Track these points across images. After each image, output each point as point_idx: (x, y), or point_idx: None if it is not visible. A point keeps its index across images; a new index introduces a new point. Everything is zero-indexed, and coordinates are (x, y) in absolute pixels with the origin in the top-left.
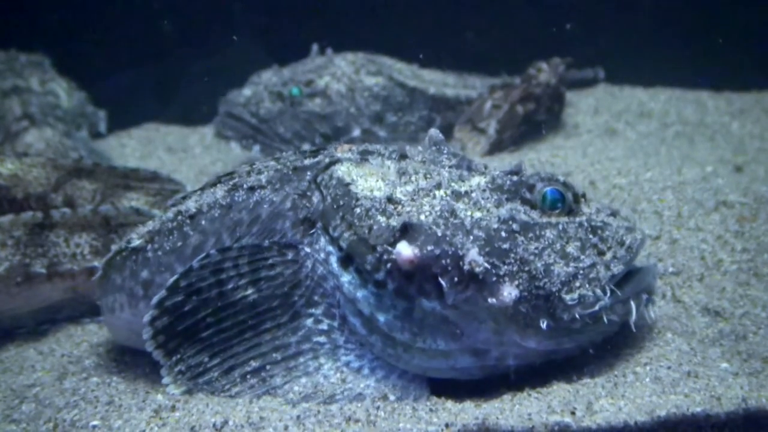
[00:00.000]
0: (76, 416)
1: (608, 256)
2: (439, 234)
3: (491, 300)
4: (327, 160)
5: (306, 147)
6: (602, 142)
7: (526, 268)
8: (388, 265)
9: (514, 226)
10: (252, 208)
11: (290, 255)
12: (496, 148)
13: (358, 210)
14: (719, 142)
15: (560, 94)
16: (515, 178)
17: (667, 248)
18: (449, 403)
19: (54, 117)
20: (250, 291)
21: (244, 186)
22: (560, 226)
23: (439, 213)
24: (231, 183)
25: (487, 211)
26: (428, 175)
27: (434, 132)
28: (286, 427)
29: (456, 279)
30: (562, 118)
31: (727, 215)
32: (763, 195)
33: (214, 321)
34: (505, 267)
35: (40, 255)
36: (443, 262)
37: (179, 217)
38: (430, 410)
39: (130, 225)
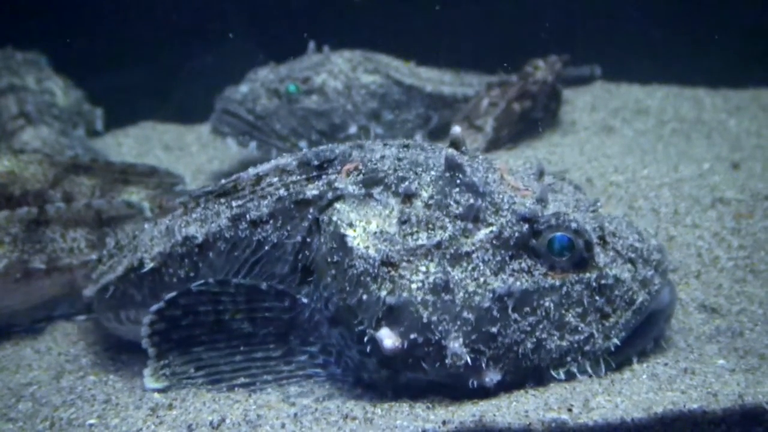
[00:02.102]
0: (73, 414)
1: (612, 320)
2: (425, 320)
3: (473, 381)
4: (329, 195)
5: (303, 144)
6: (599, 140)
7: (515, 350)
8: (372, 344)
9: (509, 303)
10: (255, 248)
11: (287, 302)
12: (492, 145)
13: (350, 273)
14: (716, 139)
15: (557, 92)
16: (525, 228)
17: (664, 245)
18: (446, 401)
19: (50, 115)
20: (245, 324)
21: (248, 218)
22: (564, 289)
23: (431, 286)
24: (235, 208)
25: (484, 281)
26: (431, 227)
27: (451, 154)
28: (283, 425)
29: (437, 365)
30: (559, 116)
31: (724, 212)
32: (760, 192)
33: (208, 340)
34: (491, 352)
35: (38, 251)
36: (426, 350)
37: (188, 243)
38: (427, 408)
39: (122, 218)
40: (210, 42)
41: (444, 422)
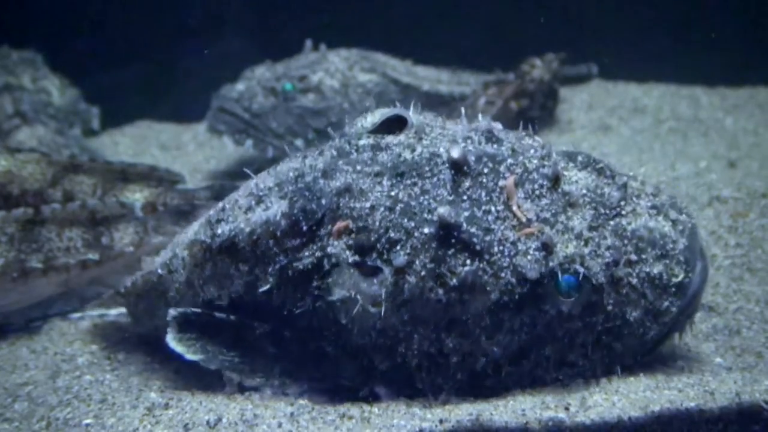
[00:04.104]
0: (69, 414)
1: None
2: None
3: None
4: (325, 264)
5: (299, 142)
6: (596, 138)
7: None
8: None
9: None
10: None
11: None
12: None
13: (347, 346)
14: (713, 137)
15: (554, 90)
16: (527, 288)
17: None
18: (443, 400)
19: (46, 115)
20: None
21: (259, 290)
22: (566, 339)
23: (425, 355)
24: (245, 275)
25: (479, 346)
26: (425, 299)
27: (445, 214)
28: (280, 425)
29: None
30: (555, 114)
31: (721, 210)
32: (757, 190)
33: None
34: None
35: (35, 250)
36: None
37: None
38: (424, 407)
39: (116, 218)
40: (206, 40)
41: (441, 421)
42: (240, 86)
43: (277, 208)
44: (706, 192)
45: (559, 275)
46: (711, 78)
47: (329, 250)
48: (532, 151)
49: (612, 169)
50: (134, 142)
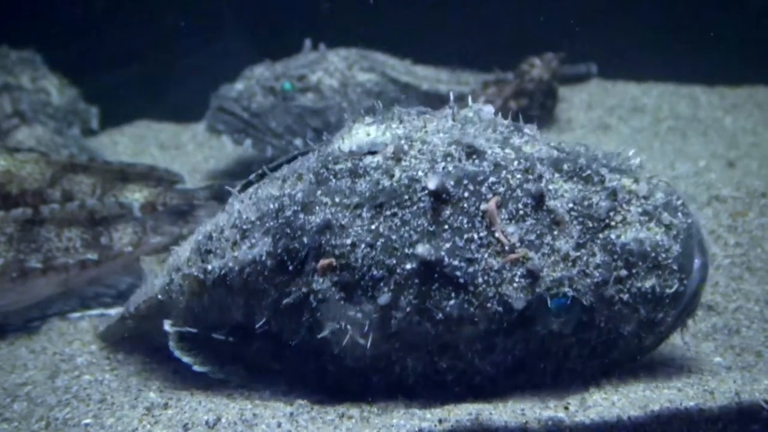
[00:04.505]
0: (68, 414)
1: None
2: None
3: None
4: (312, 301)
5: (298, 141)
6: (595, 138)
7: None
8: None
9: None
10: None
11: None
12: None
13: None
14: (712, 136)
15: (553, 90)
16: (514, 317)
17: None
18: (443, 399)
19: (45, 114)
20: None
21: (257, 323)
22: (560, 354)
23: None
24: (243, 306)
25: (473, 366)
26: (412, 333)
27: (426, 253)
28: (279, 424)
29: None
30: (555, 114)
31: (720, 210)
32: (756, 189)
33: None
34: None
35: (34, 250)
36: None
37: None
38: (423, 406)
39: (114, 218)
40: (205, 40)
41: (440, 420)
42: (239, 86)
43: (261, 247)
44: (706, 191)
45: (548, 300)
46: (710, 77)
47: (314, 286)
48: (515, 163)
49: (601, 172)
50: (133, 142)
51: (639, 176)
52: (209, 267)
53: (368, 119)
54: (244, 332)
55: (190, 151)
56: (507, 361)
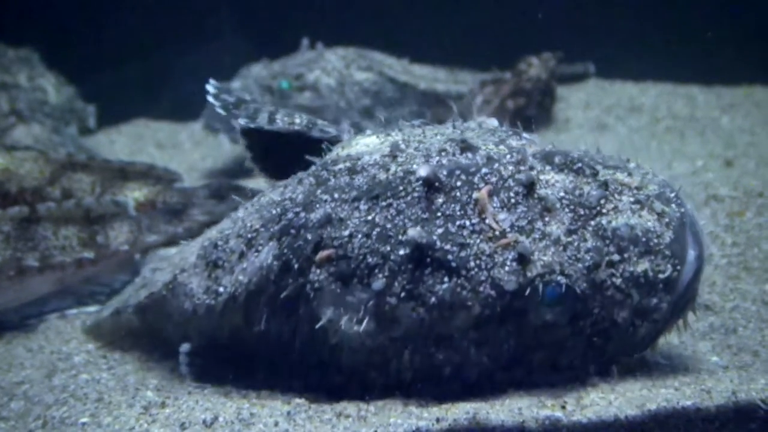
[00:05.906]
0: (65, 413)
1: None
2: None
3: None
4: (309, 292)
5: None
6: (593, 137)
7: None
8: None
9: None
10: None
11: None
12: None
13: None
14: (709, 136)
15: (551, 89)
16: (507, 300)
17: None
18: (440, 398)
19: (42, 113)
20: None
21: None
22: (556, 346)
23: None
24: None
25: (468, 358)
26: (406, 319)
27: (416, 236)
28: (276, 423)
29: None
30: (552, 113)
31: (718, 209)
32: (753, 189)
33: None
34: None
35: (31, 248)
36: None
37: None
38: (421, 405)
39: (110, 216)
40: (202, 39)
41: (438, 420)
42: (236, 84)
43: (268, 252)
44: (703, 191)
45: (541, 288)
46: (707, 77)
47: (311, 277)
48: (508, 156)
49: (594, 166)
50: (130, 141)
51: (633, 172)
52: (220, 290)
53: (369, 131)
54: (246, 341)
55: (187, 149)
56: (502, 354)
